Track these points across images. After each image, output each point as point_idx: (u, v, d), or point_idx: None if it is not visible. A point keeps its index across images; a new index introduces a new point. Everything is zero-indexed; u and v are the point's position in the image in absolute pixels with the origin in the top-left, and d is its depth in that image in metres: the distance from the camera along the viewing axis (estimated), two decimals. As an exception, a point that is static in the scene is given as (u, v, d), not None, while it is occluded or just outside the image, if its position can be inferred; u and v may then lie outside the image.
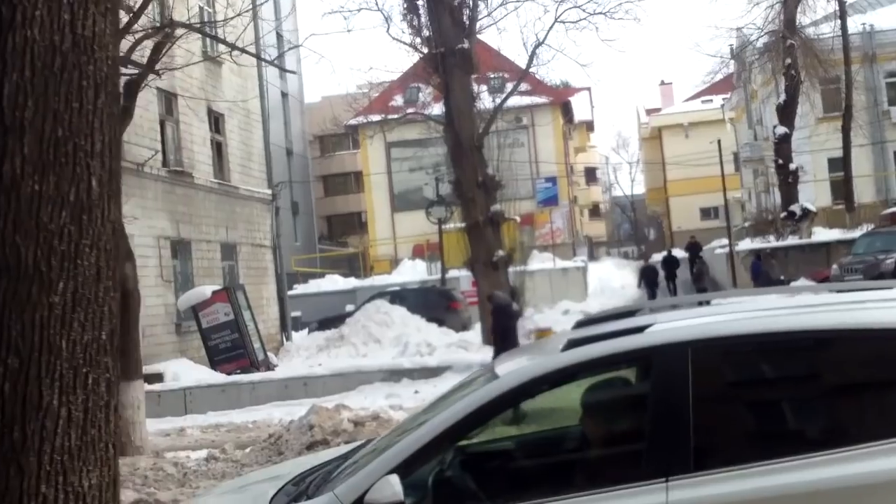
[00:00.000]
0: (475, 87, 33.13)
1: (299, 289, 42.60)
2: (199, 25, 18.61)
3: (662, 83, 73.54)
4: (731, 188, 55.46)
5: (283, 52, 20.72)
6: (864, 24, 41.17)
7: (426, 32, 23.34)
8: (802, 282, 29.37)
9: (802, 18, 37.22)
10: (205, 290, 24.31)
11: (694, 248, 42.14)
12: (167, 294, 24.86)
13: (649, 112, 74.63)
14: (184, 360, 23.21)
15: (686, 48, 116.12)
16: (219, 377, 21.55)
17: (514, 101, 48.40)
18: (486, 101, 32.63)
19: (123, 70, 14.32)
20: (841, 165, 38.31)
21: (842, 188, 39.07)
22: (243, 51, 15.48)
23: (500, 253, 22.19)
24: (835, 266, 28.15)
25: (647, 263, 41.34)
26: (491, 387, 4.48)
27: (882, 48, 42.51)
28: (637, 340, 4.36)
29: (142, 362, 14.04)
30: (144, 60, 15.00)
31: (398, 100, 48.24)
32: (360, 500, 4.17)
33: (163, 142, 25.61)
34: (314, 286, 43.19)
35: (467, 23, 23.10)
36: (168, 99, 26.06)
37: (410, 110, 36.27)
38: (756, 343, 4.38)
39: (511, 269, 26.62)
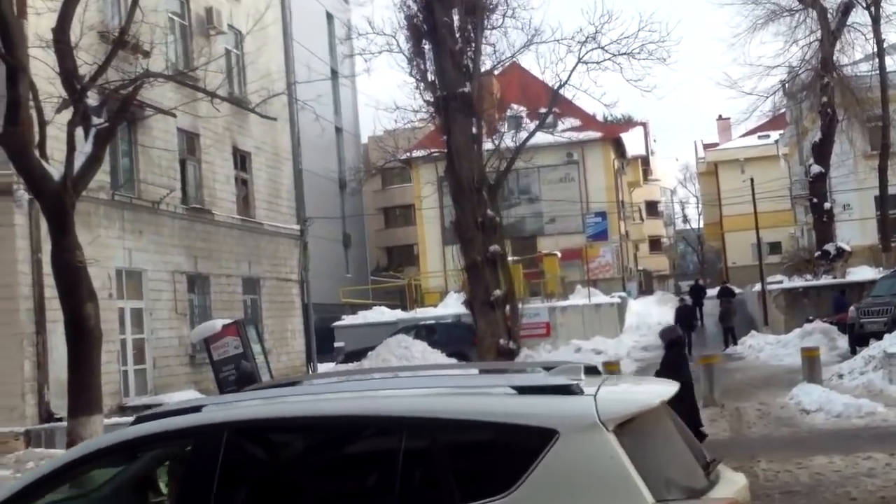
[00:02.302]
0: (507, 125, 33.39)
1: (346, 320, 43.16)
2: (174, 75, 19.36)
3: (720, 118, 72.97)
4: (787, 224, 54.92)
5: (265, 99, 21.40)
6: (910, 61, 40.39)
7: (431, 77, 23.87)
8: (817, 323, 29.03)
9: (841, 57, 36.82)
10: (216, 323, 25.04)
11: (725, 293, 41.66)
12: (181, 327, 25.68)
13: (707, 147, 74.06)
14: (191, 392, 23.90)
15: (729, 85, 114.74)
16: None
17: (565, 136, 48.86)
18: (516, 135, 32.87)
19: (96, 120, 15.09)
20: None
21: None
22: (216, 96, 16.16)
23: (497, 293, 22.46)
24: (852, 308, 27.55)
25: (684, 303, 40.04)
26: (57, 458, 4.77)
27: (930, 86, 41.58)
28: (185, 420, 4.53)
29: (102, 398, 14.65)
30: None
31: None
32: None
33: (183, 180, 26.52)
34: (361, 317, 43.71)
35: (470, 67, 23.52)
36: (190, 138, 26.98)
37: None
38: (281, 427, 4.46)
39: (517, 306, 26.81)
